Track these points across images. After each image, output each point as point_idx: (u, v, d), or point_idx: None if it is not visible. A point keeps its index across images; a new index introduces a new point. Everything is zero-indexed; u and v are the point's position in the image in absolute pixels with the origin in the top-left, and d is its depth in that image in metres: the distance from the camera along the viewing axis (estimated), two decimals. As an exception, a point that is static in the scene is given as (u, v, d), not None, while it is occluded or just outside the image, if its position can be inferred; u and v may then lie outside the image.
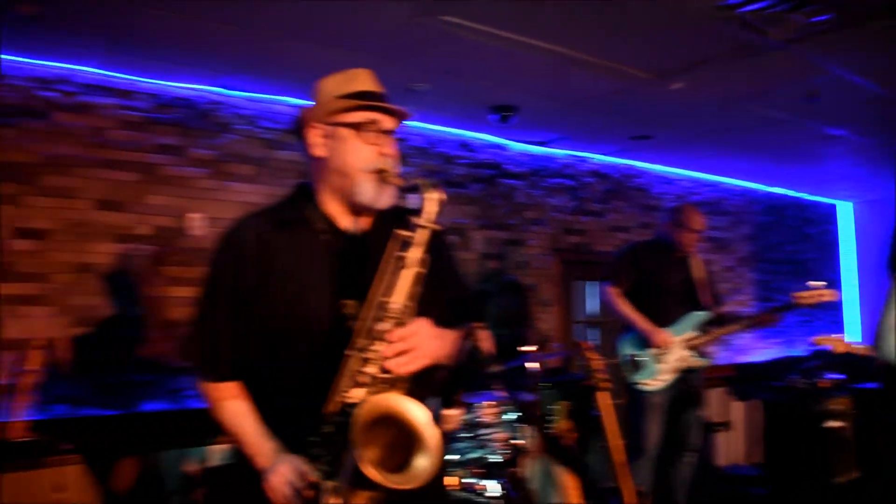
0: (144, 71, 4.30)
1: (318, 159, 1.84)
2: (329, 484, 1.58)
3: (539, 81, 4.61)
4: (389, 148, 1.82)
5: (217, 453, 3.87)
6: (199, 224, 4.47)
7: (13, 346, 3.90)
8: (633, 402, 4.51)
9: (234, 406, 1.82)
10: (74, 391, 3.97)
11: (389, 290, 1.65)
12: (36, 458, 3.40)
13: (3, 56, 3.95)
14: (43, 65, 4.09)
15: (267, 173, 4.77)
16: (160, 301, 4.33)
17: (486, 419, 3.64)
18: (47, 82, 4.12)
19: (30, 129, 4.05)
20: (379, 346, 1.62)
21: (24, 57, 4.02)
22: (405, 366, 1.63)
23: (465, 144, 5.85)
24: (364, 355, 1.62)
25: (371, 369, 1.62)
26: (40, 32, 3.70)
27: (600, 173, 6.76)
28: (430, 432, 1.56)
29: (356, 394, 1.61)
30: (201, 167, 4.54)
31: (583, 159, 6.62)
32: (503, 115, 5.08)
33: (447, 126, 5.66)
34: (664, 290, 4.54)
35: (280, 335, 1.77)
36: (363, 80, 1.86)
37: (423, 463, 1.54)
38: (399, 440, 1.56)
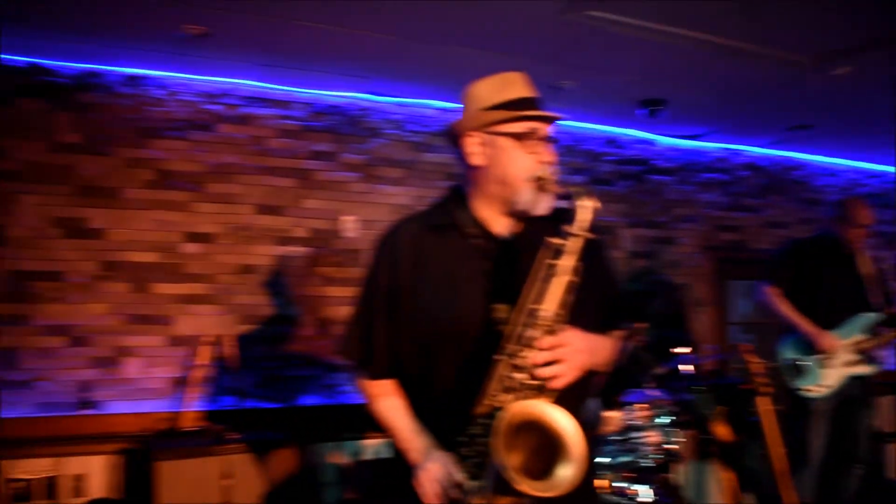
0: (299, 81, 4.51)
1: (476, 167, 1.83)
2: (474, 485, 1.59)
3: (689, 73, 4.46)
4: (549, 155, 1.79)
5: (370, 448, 4.00)
6: (351, 226, 4.64)
7: (184, 342, 4.22)
8: (795, 410, 4.26)
9: (390, 402, 1.87)
10: (239, 384, 4.22)
11: (540, 298, 1.64)
12: (206, 446, 3.63)
13: (172, 74, 4.29)
14: (209, 80, 4.40)
15: (415, 176, 4.88)
16: (316, 300, 4.53)
17: (638, 422, 3.56)
18: (212, 97, 4.42)
19: (197, 140, 4.36)
20: (528, 353, 1.61)
21: (192, 74, 4.33)
22: (554, 378, 1.62)
23: (612, 141, 5.74)
24: (513, 361, 1.62)
25: (520, 375, 1.62)
26: (206, 51, 3.97)
27: (756, 166, 6.44)
28: (575, 442, 1.54)
29: (504, 398, 1.61)
30: (353, 171, 4.72)
31: (737, 152, 6.33)
32: (652, 110, 4.95)
33: (593, 122, 5.58)
34: (829, 290, 4.26)
35: (432, 336, 1.79)
36: (519, 86, 1.83)
37: (566, 472, 1.52)
38: (544, 447, 1.56)
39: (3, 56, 3.98)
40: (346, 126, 4.73)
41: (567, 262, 1.65)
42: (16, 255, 3.95)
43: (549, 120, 1.82)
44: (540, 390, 1.62)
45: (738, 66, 4.28)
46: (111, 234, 4.14)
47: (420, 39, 3.90)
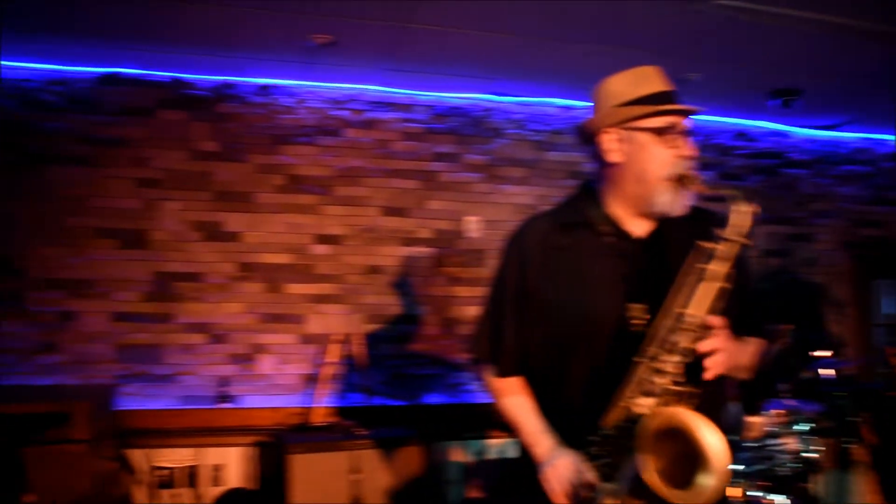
0: (422, 84, 4.59)
1: (612, 165, 1.79)
2: (607, 486, 1.57)
3: (825, 60, 4.22)
4: (690, 149, 1.75)
5: (494, 447, 4.02)
6: (475, 226, 4.68)
7: (315, 340, 4.37)
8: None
9: (516, 400, 1.87)
10: (367, 381, 4.33)
11: (688, 302, 1.59)
12: (336, 441, 3.75)
13: (301, 83, 4.47)
14: (335, 87, 4.54)
15: (538, 175, 4.86)
16: (440, 300, 4.59)
17: (776, 428, 3.40)
18: (339, 103, 4.56)
19: (325, 145, 4.51)
20: (671, 358, 1.58)
21: (319, 82, 4.49)
22: (709, 368, 1.57)
23: (742, 134, 5.51)
24: (655, 365, 1.58)
25: (661, 380, 1.58)
26: (333, 58, 4.10)
27: (901, 157, 6.03)
28: (721, 454, 1.49)
29: (643, 402, 1.58)
30: (476, 172, 4.75)
31: (879, 142, 5.94)
32: (785, 100, 4.72)
33: (722, 116, 5.38)
34: None
35: (564, 335, 1.78)
36: (655, 80, 1.80)
37: (707, 482, 1.47)
38: (685, 455, 1.52)
39: (148, 72, 4.27)
40: (469, 127, 4.76)
41: (719, 268, 1.59)
42: (160, 258, 4.22)
43: (686, 113, 1.77)
44: (681, 397, 1.58)
45: (879, 50, 4.02)
46: (246, 237, 4.35)
47: (542, 37, 3.87)
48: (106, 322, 4.13)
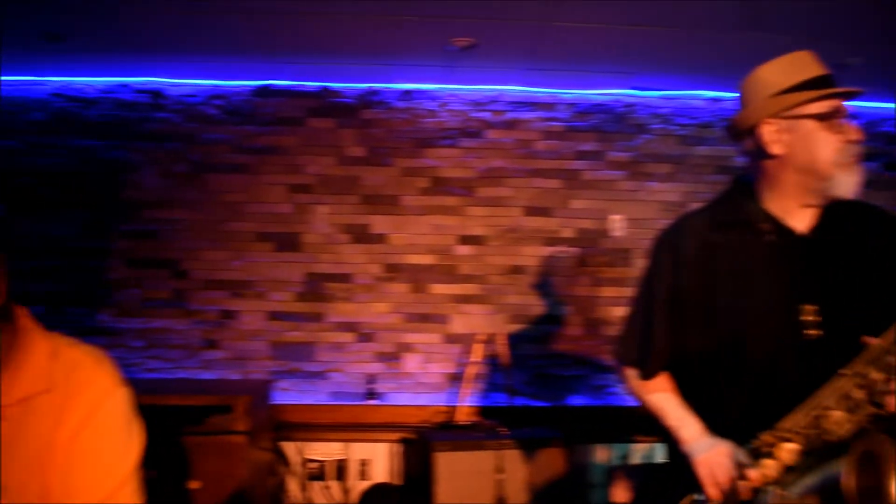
0: (563, 82, 4.53)
1: (773, 157, 1.70)
2: (778, 486, 1.50)
3: None
4: (856, 133, 1.65)
5: (639, 451, 3.91)
6: (619, 225, 4.57)
7: (459, 340, 4.42)
8: None
9: (662, 395, 1.83)
10: (510, 381, 4.33)
11: None
12: (480, 440, 3.77)
13: (442, 86, 4.54)
14: (476, 89, 4.58)
15: (684, 171, 4.69)
16: (584, 300, 4.52)
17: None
18: (480, 104, 4.59)
19: (468, 147, 4.55)
20: (881, 377, 1.45)
21: (460, 84, 4.54)
22: None
23: (911, 121, 5.09)
24: (861, 381, 1.47)
25: (863, 397, 1.46)
26: (474, 61, 4.14)
27: None
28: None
29: (837, 415, 1.47)
30: (619, 170, 4.64)
31: None
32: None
33: (886, 101, 4.98)
34: None
35: (725, 338, 1.71)
36: (812, 64, 1.70)
37: None
38: (875, 486, 1.41)
39: (298, 83, 4.48)
40: (611, 124, 4.67)
41: None
42: (311, 259, 4.42)
43: (850, 96, 1.66)
44: (878, 420, 1.47)
45: None
46: (392, 239, 4.47)
47: (688, 27, 3.73)
48: (262, 321, 4.37)
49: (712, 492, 1.60)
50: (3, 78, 4.32)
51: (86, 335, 1.27)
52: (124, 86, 4.46)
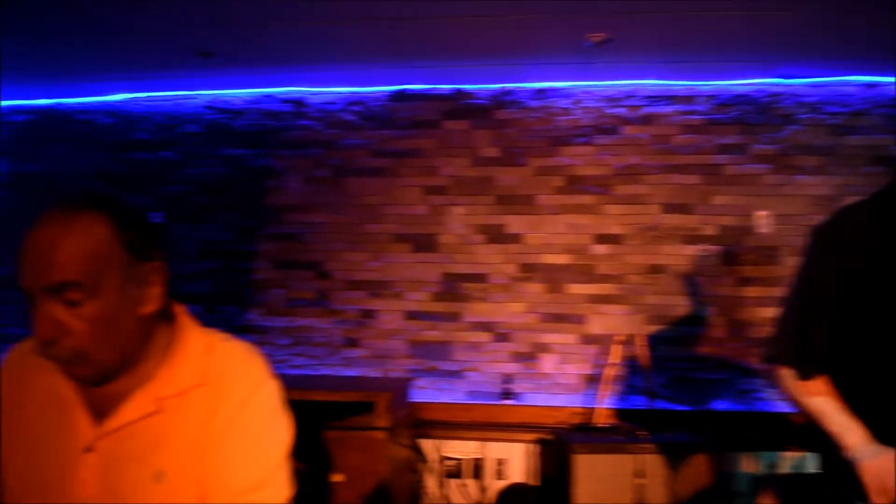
0: (702, 74, 4.37)
1: None
2: None
3: None
4: None
5: (788, 460, 3.71)
6: (766, 221, 4.36)
7: (596, 341, 4.36)
8: None
9: (822, 399, 1.74)
10: (649, 384, 4.22)
11: None
12: (619, 443, 3.70)
13: (576, 83, 4.49)
14: (611, 85, 4.50)
15: (836, 163, 4.40)
16: (728, 300, 4.34)
17: None
18: (615, 100, 4.50)
19: (603, 144, 4.47)
20: None
21: (595, 80, 4.47)
22: None
23: None
24: None
25: None
26: (608, 56, 4.06)
27: None
28: None
29: None
30: (764, 163, 4.42)
31: None
32: None
33: None
34: None
35: None
36: None
37: None
38: None
39: (433, 86, 4.56)
40: (755, 115, 4.45)
41: None
42: (447, 260, 4.48)
43: None
44: None
45: None
46: (527, 239, 4.46)
47: (838, 8, 3.50)
48: (400, 320, 4.48)
49: (880, 500, 1.50)
50: (160, 93, 4.68)
51: (236, 333, 1.35)
52: (269, 96, 4.69)
